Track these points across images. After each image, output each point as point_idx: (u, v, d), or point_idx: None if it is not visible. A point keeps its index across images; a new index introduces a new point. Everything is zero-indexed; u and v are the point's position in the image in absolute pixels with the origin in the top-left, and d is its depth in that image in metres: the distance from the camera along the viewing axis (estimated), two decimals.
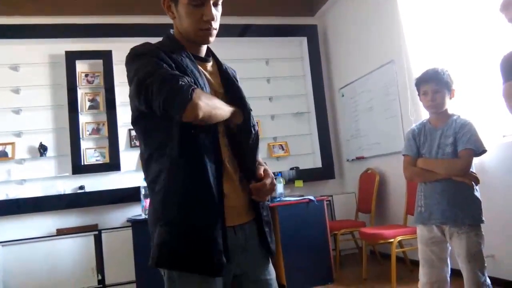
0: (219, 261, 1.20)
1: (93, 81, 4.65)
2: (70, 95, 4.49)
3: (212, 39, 1.31)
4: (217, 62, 1.41)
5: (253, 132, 1.34)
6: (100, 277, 4.08)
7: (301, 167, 5.05)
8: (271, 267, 1.39)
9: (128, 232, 3.76)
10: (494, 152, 3.03)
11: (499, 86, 1.91)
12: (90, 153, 4.53)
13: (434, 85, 2.16)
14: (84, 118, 4.58)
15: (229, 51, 4.56)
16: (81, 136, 4.49)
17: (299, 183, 4.68)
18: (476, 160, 2.17)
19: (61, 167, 4.45)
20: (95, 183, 4.45)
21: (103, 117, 4.59)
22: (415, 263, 2.95)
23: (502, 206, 2.98)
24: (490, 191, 2.76)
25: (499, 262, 3.03)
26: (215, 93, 1.31)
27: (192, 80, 1.20)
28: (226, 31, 4.36)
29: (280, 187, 3.95)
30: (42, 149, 4.36)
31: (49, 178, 4.39)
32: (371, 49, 4.53)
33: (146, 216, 1.23)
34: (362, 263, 3.87)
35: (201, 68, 1.32)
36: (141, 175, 1.33)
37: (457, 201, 2.09)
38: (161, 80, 1.15)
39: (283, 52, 5.34)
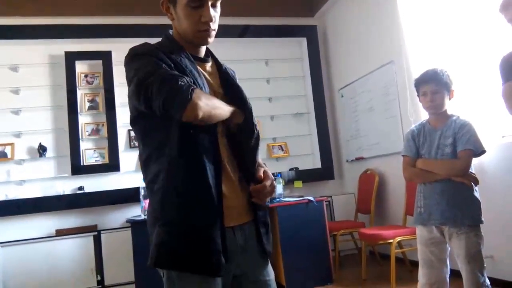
0: (218, 261, 1.19)
1: (93, 81, 4.65)
2: (69, 96, 4.49)
3: (211, 40, 1.31)
4: (216, 63, 1.41)
5: (255, 132, 1.34)
6: (99, 278, 4.08)
7: (300, 168, 5.05)
8: (270, 268, 1.38)
9: (128, 233, 3.76)
10: (493, 152, 3.03)
11: (498, 87, 1.91)
12: (90, 154, 4.53)
13: (433, 85, 2.16)
14: (84, 119, 4.58)
15: (229, 52, 4.57)
16: (80, 137, 4.49)
17: (298, 184, 4.67)
18: (475, 161, 2.17)
19: (60, 167, 4.45)
20: (94, 183, 4.45)
21: (103, 118, 4.59)
22: (415, 264, 2.95)
23: (501, 206, 2.98)
24: (490, 191, 2.76)
25: (499, 262, 3.03)
26: (214, 94, 1.31)
27: (192, 80, 1.20)
28: (225, 31, 4.37)
29: (279, 188, 3.95)
30: (42, 149, 4.36)
31: (49, 179, 4.39)
32: (370, 49, 4.53)
33: (146, 217, 1.23)
34: (361, 263, 3.87)
35: (200, 69, 1.32)
36: (140, 175, 1.33)
37: (456, 201, 2.09)
38: (161, 80, 1.15)
39: (282, 53, 5.34)
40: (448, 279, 2.16)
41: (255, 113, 1.37)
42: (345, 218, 4.75)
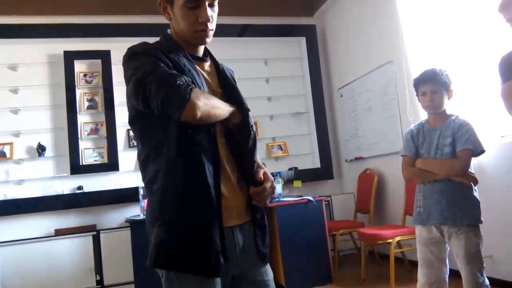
0: (217, 262, 1.19)
1: (92, 81, 4.65)
2: (68, 95, 4.48)
3: (208, 39, 1.31)
4: (215, 62, 1.41)
5: (252, 132, 1.33)
6: (98, 278, 4.08)
7: (299, 168, 5.05)
8: (268, 268, 1.38)
9: (127, 233, 3.76)
10: (492, 152, 3.03)
11: (497, 87, 1.91)
12: (89, 153, 4.52)
13: (432, 85, 2.16)
14: (83, 118, 4.57)
15: (228, 51, 4.57)
16: (79, 136, 4.48)
17: (297, 184, 4.67)
18: (474, 161, 2.17)
19: (59, 167, 4.44)
20: (93, 183, 4.44)
21: (102, 117, 4.59)
22: (414, 264, 2.95)
23: (501, 206, 2.98)
24: (489, 191, 2.76)
25: (498, 262, 3.02)
26: (212, 93, 1.31)
27: (190, 80, 1.20)
28: (225, 31, 4.41)
29: (278, 188, 3.95)
30: (41, 149, 4.35)
31: (48, 178, 4.38)
32: (370, 49, 4.53)
33: (145, 217, 1.23)
34: (360, 263, 3.86)
35: (198, 68, 1.31)
36: (139, 175, 1.33)
37: (456, 201, 2.09)
38: (160, 80, 1.14)
39: (282, 52, 5.33)
40: (447, 279, 2.16)
41: (254, 112, 1.37)
42: (344, 218, 4.75)
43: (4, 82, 4.37)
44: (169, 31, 1.36)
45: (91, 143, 4.57)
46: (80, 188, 4.40)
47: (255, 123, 1.42)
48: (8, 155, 4.30)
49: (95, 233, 4.16)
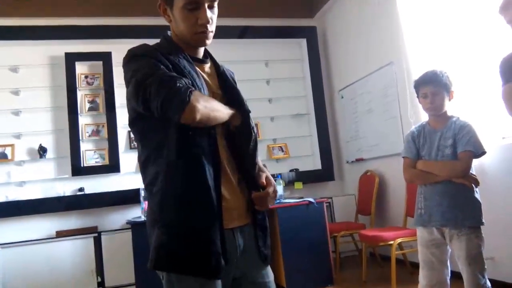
0: (217, 264, 1.19)
1: (93, 82, 4.65)
2: (69, 97, 4.48)
3: (208, 41, 1.31)
4: (215, 64, 1.41)
5: (253, 134, 1.33)
6: (99, 279, 4.08)
7: (300, 169, 5.04)
8: (269, 270, 1.38)
9: (128, 234, 3.75)
10: (493, 154, 3.02)
11: (498, 88, 1.90)
12: (90, 155, 4.52)
13: (433, 87, 2.15)
14: (84, 120, 4.58)
15: (229, 53, 4.57)
16: (80, 138, 4.48)
17: (298, 185, 4.67)
18: (475, 162, 2.17)
19: (60, 169, 4.44)
20: (94, 185, 4.44)
21: (103, 119, 4.59)
22: (415, 265, 2.95)
23: (502, 208, 2.98)
24: (490, 193, 2.76)
25: (499, 264, 3.01)
26: (213, 95, 1.31)
27: (190, 82, 1.20)
28: (225, 32, 4.42)
29: (279, 189, 3.94)
30: (42, 151, 4.36)
31: (49, 180, 4.39)
32: (370, 50, 4.53)
33: (145, 218, 1.23)
34: (362, 265, 3.86)
35: (198, 70, 1.31)
36: (140, 177, 1.33)
37: (457, 203, 2.09)
38: (159, 82, 1.14)
39: (282, 54, 5.34)
40: (448, 281, 2.16)
41: (254, 114, 1.37)
42: (346, 219, 4.74)
43: (5, 84, 4.38)
44: (169, 33, 1.36)
45: (92, 145, 4.57)
46: (81, 189, 4.40)
47: (256, 124, 1.42)
48: (9, 156, 4.31)
49: (96, 234, 4.15)
